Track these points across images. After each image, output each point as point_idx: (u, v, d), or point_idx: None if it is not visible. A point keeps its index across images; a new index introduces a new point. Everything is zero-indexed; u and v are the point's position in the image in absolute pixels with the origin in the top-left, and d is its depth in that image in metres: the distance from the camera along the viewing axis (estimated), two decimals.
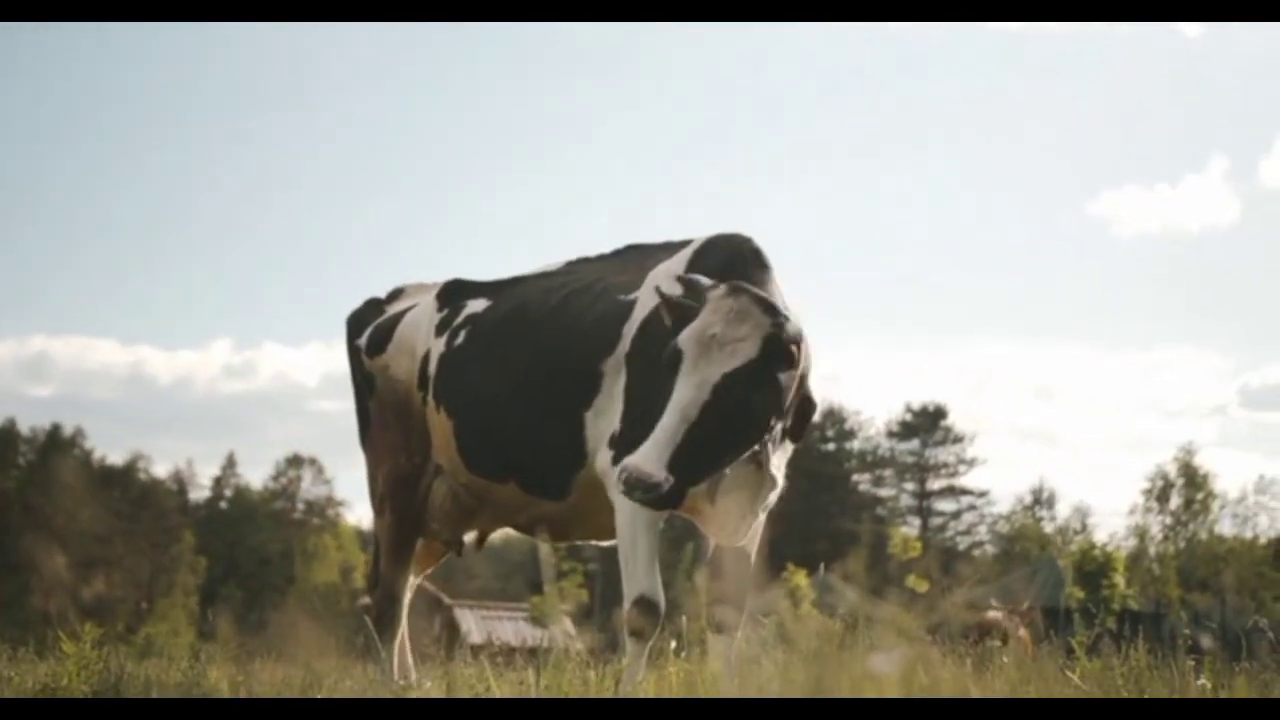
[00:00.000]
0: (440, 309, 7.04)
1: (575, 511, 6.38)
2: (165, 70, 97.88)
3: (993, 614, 16.18)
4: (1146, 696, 4.60)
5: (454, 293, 7.08)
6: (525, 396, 6.29)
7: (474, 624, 39.97)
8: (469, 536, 7.24)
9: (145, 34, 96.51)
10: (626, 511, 5.89)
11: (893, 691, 2.29)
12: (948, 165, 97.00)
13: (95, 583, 62.73)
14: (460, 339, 6.77)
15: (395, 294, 7.49)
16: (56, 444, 70.81)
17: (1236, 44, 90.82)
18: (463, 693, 5.00)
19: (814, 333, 5.88)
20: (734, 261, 5.97)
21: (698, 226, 6.19)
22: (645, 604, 5.82)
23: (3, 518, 63.85)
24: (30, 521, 63.44)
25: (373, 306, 7.52)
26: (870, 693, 2.27)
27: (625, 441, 5.92)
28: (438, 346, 6.87)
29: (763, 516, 6.17)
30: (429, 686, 6.05)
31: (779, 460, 5.90)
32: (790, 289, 6.06)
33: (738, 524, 5.95)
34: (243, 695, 5.61)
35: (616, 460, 5.93)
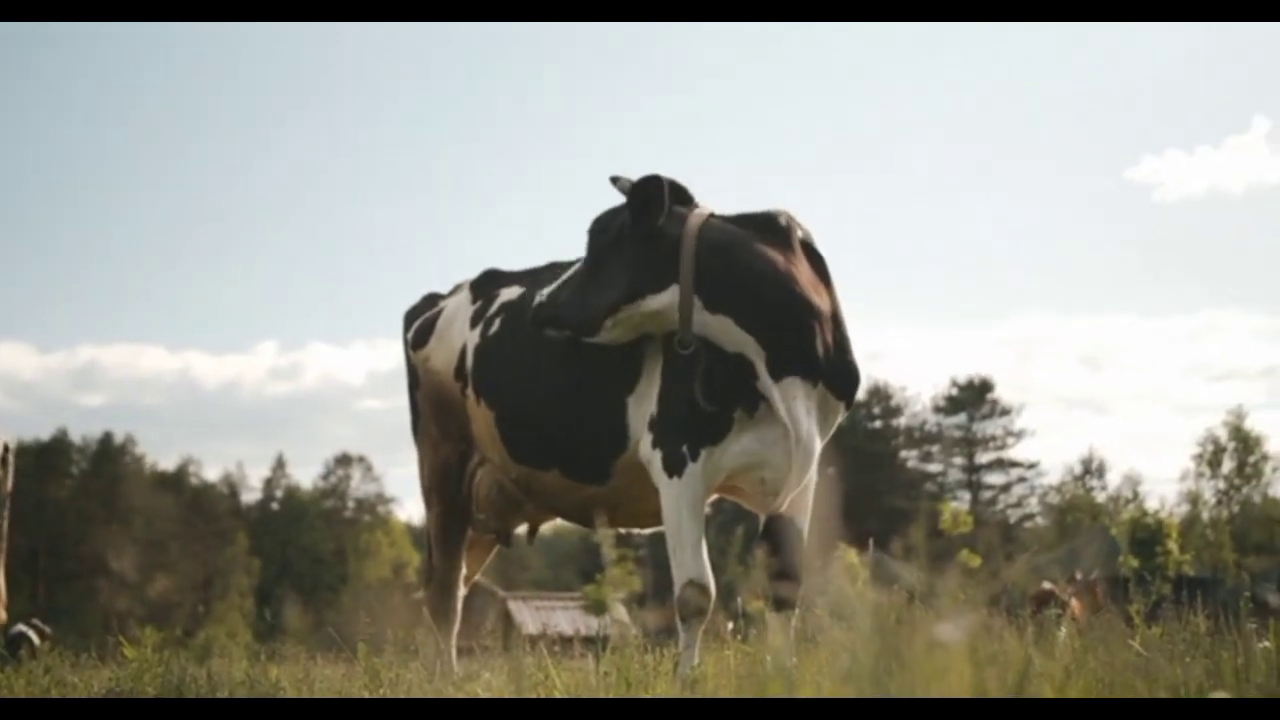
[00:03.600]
0: (474, 300, 7.06)
1: (617, 495, 6.38)
2: (203, 75, 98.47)
3: (1048, 585, 16.12)
4: (1209, 661, 4.55)
5: (487, 283, 7.12)
6: (565, 383, 6.29)
7: (528, 615, 40.11)
8: (520, 529, 7.25)
9: (183, 37, 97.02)
10: (671, 497, 5.91)
11: (958, 661, 2.28)
12: (986, 137, 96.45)
13: (153, 585, 63.40)
14: (495, 329, 6.78)
15: (456, 289, 7.50)
16: (108, 452, 71.43)
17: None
18: (524, 682, 5.00)
19: (856, 310, 5.96)
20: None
21: (731, 209, 6.23)
22: (695, 587, 5.84)
23: (57, 526, 64.48)
24: (85, 529, 64.02)
25: (429, 301, 7.55)
26: (936, 663, 2.27)
27: (662, 425, 5.95)
28: (473, 338, 6.88)
29: (810, 485, 6.15)
30: (488, 678, 6.07)
31: (803, 400, 5.87)
32: (831, 266, 6.12)
33: (774, 488, 5.95)
34: (304, 692, 5.65)
35: (655, 444, 5.97)
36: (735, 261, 5.86)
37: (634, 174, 6.06)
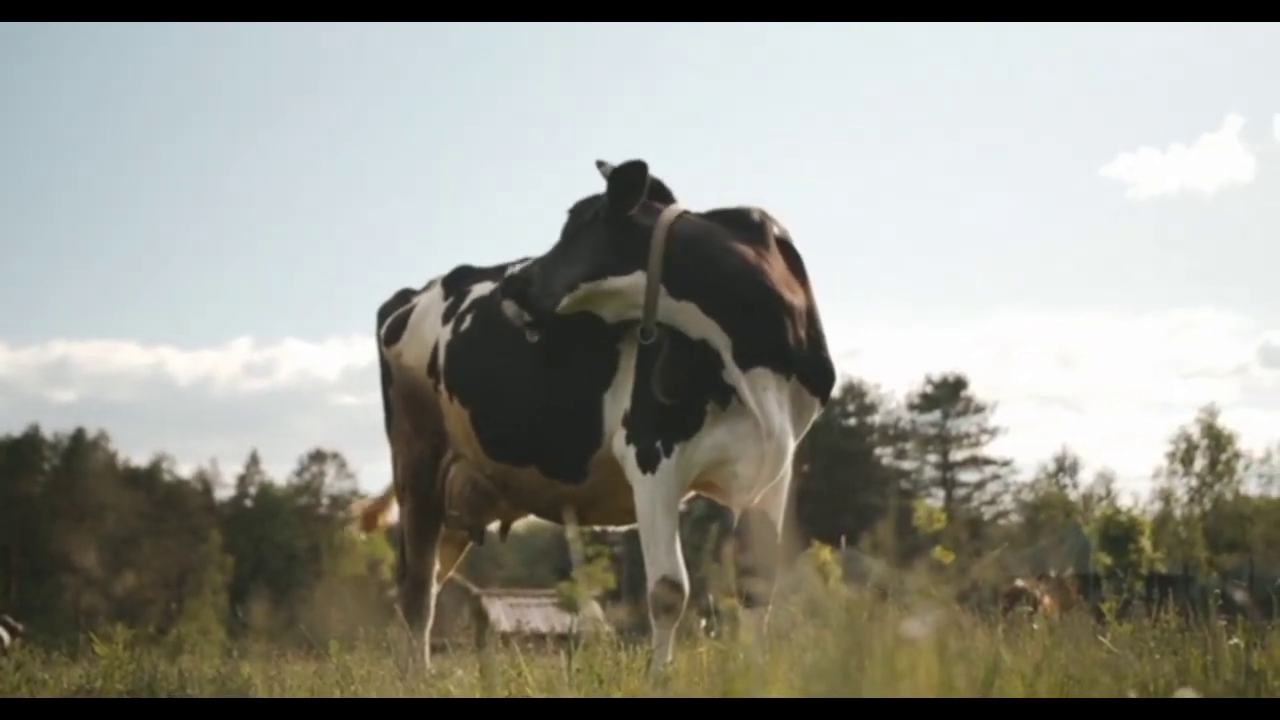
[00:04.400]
0: (446, 296, 7.05)
1: (593, 493, 6.38)
2: (180, 69, 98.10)
3: (1020, 581, 16.17)
4: (1179, 657, 4.58)
5: (459, 279, 7.11)
6: (540, 380, 6.29)
7: (502, 612, 40.07)
8: (492, 526, 7.24)
9: (159, 33, 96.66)
10: (645, 493, 5.91)
11: (926, 658, 2.29)
12: (961, 134, 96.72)
13: (124, 582, 63.04)
14: (466, 325, 6.77)
15: (429, 285, 7.48)
16: (80, 448, 71.06)
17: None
18: (496, 679, 4.99)
19: (831, 307, 6.00)
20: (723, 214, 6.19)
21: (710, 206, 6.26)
22: (669, 584, 5.83)
23: (29, 523, 64.16)
24: (57, 525, 63.72)
25: (402, 297, 7.53)
26: (904, 660, 2.27)
27: (635, 421, 5.95)
28: (445, 335, 6.87)
29: (785, 481, 6.16)
30: (460, 675, 6.06)
31: (774, 391, 5.88)
32: (809, 264, 6.12)
33: (747, 483, 5.95)
34: (275, 689, 5.64)
35: (629, 440, 5.97)
36: (704, 252, 5.87)
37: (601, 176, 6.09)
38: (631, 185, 5.97)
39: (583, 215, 6.12)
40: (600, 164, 6.26)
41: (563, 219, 6.21)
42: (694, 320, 5.84)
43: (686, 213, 6.07)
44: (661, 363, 5.87)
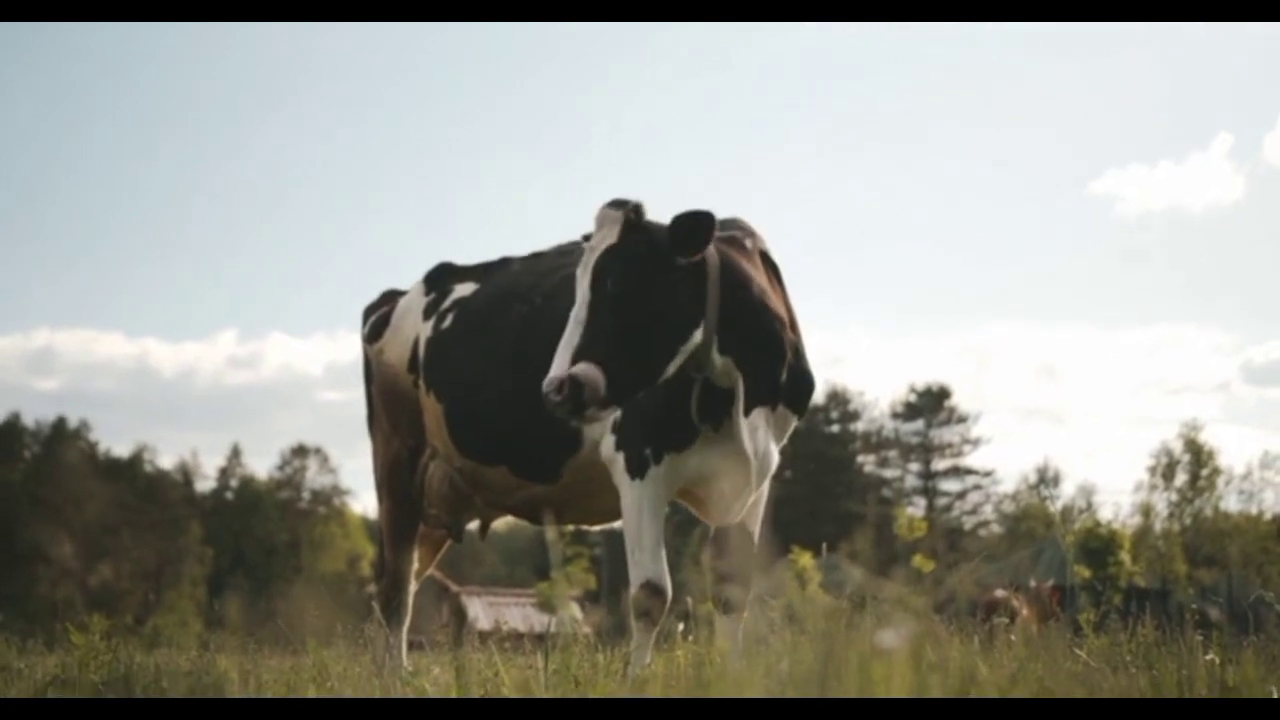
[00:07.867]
0: (427, 293, 7.06)
1: (566, 494, 6.40)
2: (169, 62, 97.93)
3: (1000, 592, 16.17)
4: (1154, 672, 4.59)
5: (440, 276, 7.12)
6: (519, 380, 6.26)
7: (481, 610, 39.98)
8: (472, 525, 7.25)
9: (149, 26, 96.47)
10: (632, 497, 5.92)
11: (901, 668, 2.30)
12: (950, 145, 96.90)
13: (102, 572, 62.86)
14: (448, 322, 6.79)
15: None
16: (61, 436, 70.83)
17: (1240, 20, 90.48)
18: (472, 678, 4.99)
19: (818, 314, 6.00)
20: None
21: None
22: (651, 588, 5.85)
23: (8, 511, 63.92)
24: (36, 513, 63.51)
25: (387, 297, 7.51)
26: (879, 670, 2.28)
27: (627, 428, 5.96)
28: (425, 331, 6.89)
29: (764, 492, 6.18)
30: (437, 673, 6.05)
31: (764, 427, 5.91)
32: (794, 271, 6.16)
33: (728, 502, 5.98)
34: (251, 684, 5.62)
35: (619, 446, 5.97)
36: (752, 319, 5.77)
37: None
38: (693, 238, 5.51)
39: (613, 273, 5.50)
40: (620, 204, 5.62)
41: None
42: (726, 372, 5.79)
43: (726, 255, 5.78)
44: (700, 390, 5.80)
